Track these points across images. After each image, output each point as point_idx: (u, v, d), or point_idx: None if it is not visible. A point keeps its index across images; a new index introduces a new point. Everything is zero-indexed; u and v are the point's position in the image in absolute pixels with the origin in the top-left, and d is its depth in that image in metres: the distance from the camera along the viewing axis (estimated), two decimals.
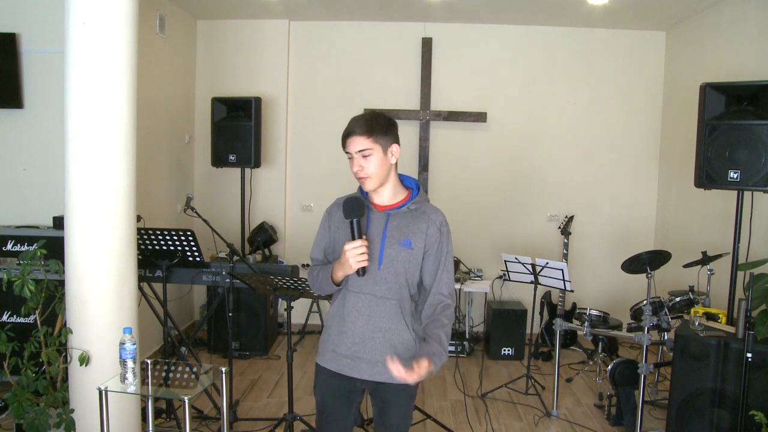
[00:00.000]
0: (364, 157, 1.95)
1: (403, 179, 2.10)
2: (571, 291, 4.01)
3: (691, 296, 3.85)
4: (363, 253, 1.90)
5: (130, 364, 2.30)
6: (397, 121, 2.07)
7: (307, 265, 3.28)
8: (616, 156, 5.39)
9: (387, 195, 2.04)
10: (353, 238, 1.92)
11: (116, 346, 2.40)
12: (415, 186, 2.11)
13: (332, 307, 2.10)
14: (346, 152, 1.99)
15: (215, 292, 4.62)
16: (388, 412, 2.06)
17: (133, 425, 2.94)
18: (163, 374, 2.59)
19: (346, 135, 1.97)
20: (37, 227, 3.76)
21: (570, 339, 5.05)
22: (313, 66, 5.44)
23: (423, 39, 5.31)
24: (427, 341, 1.95)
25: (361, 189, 2.07)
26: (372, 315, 1.99)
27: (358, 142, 1.95)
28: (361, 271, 1.93)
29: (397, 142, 2.01)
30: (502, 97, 5.37)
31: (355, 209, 1.93)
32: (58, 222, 3.55)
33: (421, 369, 1.80)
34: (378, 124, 1.96)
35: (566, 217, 4.90)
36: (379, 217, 2.02)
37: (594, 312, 4.31)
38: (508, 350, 4.92)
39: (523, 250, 4.94)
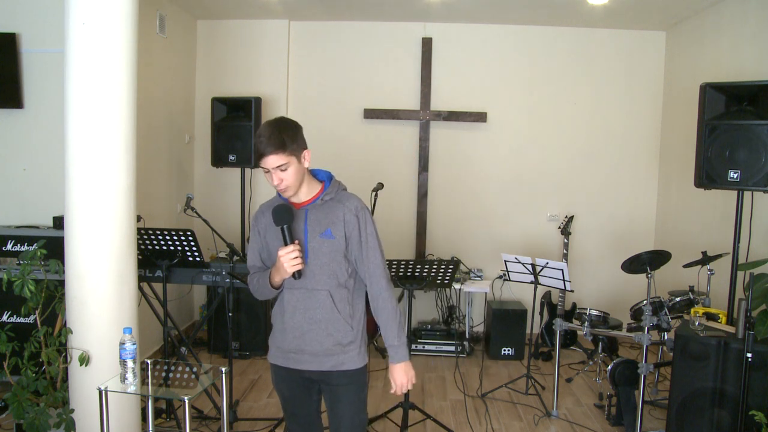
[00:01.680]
0: (282, 170, 1.97)
1: (315, 173, 2.15)
2: (571, 291, 4.01)
3: (691, 296, 3.85)
4: (296, 257, 1.97)
5: (130, 364, 2.30)
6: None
7: None
8: (616, 156, 5.39)
9: (303, 193, 2.08)
10: (285, 244, 1.99)
11: (116, 346, 2.40)
12: (327, 178, 2.15)
13: (274, 305, 2.18)
14: (262, 167, 1.99)
15: (215, 292, 4.62)
16: (339, 403, 2.12)
17: (133, 425, 2.94)
18: (163, 374, 2.58)
19: (261, 156, 1.96)
20: (37, 227, 3.75)
21: (570, 339, 5.05)
22: (313, 66, 5.44)
23: (423, 39, 5.31)
24: (388, 349, 2.11)
25: (279, 194, 2.10)
26: (307, 308, 2.07)
27: (274, 160, 1.95)
28: (297, 274, 2.01)
29: (306, 146, 2.04)
30: (502, 97, 5.37)
31: (284, 216, 1.99)
32: (58, 222, 3.55)
33: (398, 380, 2.09)
34: (288, 137, 1.96)
35: (566, 217, 4.89)
36: (298, 213, 2.07)
37: (594, 312, 4.31)
38: (508, 350, 4.92)
39: (523, 250, 4.94)
